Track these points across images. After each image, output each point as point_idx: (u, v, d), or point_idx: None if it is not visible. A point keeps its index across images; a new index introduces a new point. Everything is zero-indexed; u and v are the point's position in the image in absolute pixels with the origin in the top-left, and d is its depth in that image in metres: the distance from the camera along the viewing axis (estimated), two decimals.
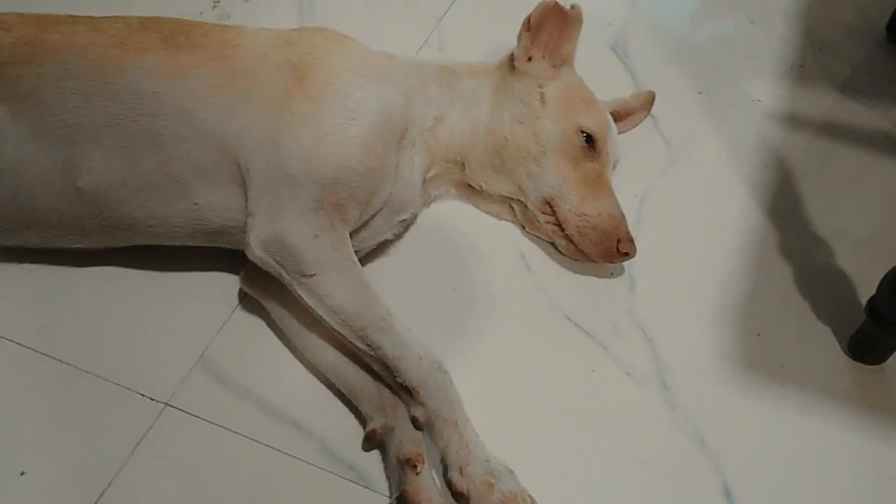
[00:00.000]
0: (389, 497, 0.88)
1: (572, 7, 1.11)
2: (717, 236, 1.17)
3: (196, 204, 0.97)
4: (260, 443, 0.92)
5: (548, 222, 1.09)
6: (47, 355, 0.98)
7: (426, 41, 1.45)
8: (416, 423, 0.88)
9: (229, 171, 0.96)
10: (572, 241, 1.07)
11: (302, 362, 0.99)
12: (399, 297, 0.97)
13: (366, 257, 1.08)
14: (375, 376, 0.93)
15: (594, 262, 1.09)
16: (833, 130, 1.33)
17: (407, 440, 0.88)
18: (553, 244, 1.12)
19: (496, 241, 1.15)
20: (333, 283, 0.90)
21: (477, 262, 1.12)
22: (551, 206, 1.08)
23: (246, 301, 1.05)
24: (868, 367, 1.02)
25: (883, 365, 1.02)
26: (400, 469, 0.87)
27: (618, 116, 1.24)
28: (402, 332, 0.90)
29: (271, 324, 1.02)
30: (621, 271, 1.12)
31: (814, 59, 1.45)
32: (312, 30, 1.08)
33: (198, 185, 0.96)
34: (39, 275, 1.06)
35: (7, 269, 1.06)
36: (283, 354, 1.00)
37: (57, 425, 0.92)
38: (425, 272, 1.11)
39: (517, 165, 1.09)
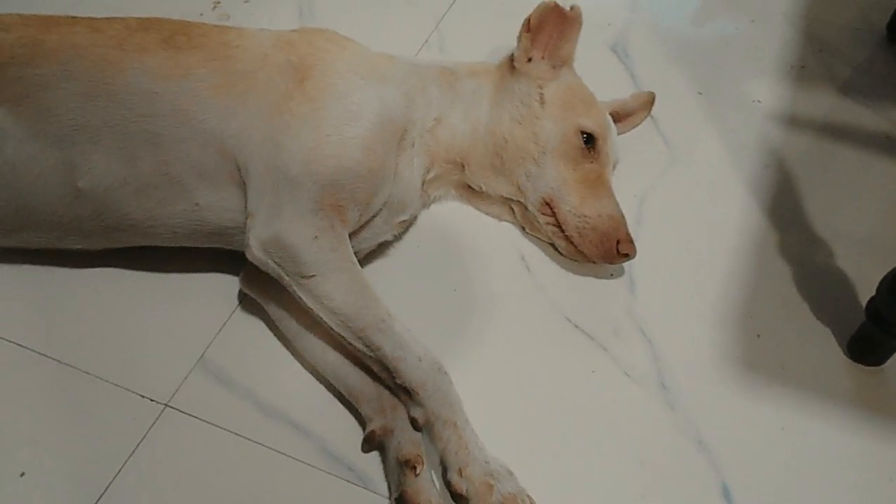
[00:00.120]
0: (389, 498, 0.88)
1: (572, 8, 1.11)
2: (717, 237, 1.16)
3: (196, 205, 0.97)
4: (259, 444, 0.92)
5: (547, 223, 1.09)
6: (47, 356, 0.98)
7: (426, 42, 1.45)
8: (415, 424, 0.88)
9: (229, 171, 0.96)
10: (572, 242, 1.07)
11: (301, 363, 0.99)
12: (399, 299, 0.97)
13: (365, 258, 1.09)
14: (375, 377, 0.94)
15: (594, 263, 1.09)
16: (833, 131, 1.33)
17: (406, 441, 0.88)
18: (553, 245, 1.12)
19: (496, 242, 1.15)
20: (333, 285, 0.91)
21: (477, 264, 1.12)
22: (551, 207, 1.08)
23: (246, 302, 1.05)
24: (868, 368, 1.02)
25: (882, 366, 1.02)
26: (399, 470, 0.87)
27: (617, 117, 1.24)
28: (401, 333, 0.90)
29: (271, 325, 1.02)
30: (621, 272, 1.12)
31: (814, 59, 1.45)
32: (313, 31, 1.08)
33: (197, 186, 0.96)
34: (39, 276, 1.06)
35: (6, 270, 1.06)
36: (283, 355, 1.00)
37: (57, 426, 0.93)
38: (425, 273, 1.11)
39: (517, 166, 1.09)
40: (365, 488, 0.89)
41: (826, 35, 1.50)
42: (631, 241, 1.06)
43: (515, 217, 1.16)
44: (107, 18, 1.02)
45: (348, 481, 0.90)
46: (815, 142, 1.31)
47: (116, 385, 0.96)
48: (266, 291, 1.01)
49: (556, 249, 1.12)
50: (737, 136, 1.31)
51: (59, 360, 0.98)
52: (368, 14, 1.50)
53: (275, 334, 1.02)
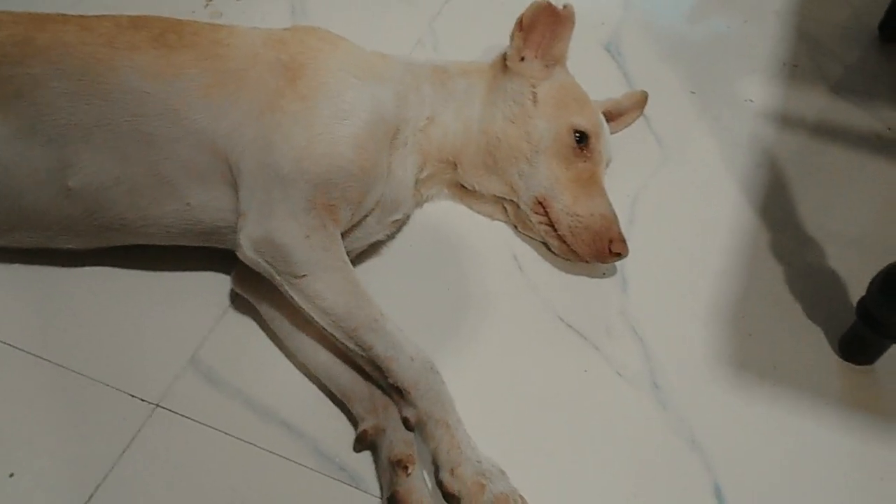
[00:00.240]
0: (381, 498, 0.88)
1: (564, 7, 1.10)
2: (709, 236, 1.17)
3: (188, 204, 0.97)
4: (251, 444, 0.92)
5: (540, 222, 1.09)
6: (37, 356, 0.98)
7: (419, 40, 1.45)
8: (407, 423, 0.88)
9: (220, 171, 0.95)
10: (564, 242, 1.07)
11: (293, 363, 0.99)
12: (391, 298, 0.97)
13: (358, 258, 1.08)
14: (367, 377, 0.93)
15: (586, 262, 1.09)
16: (825, 130, 1.33)
17: (398, 441, 0.88)
18: (545, 244, 1.12)
19: (488, 241, 1.15)
20: (324, 284, 0.90)
21: (469, 263, 1.12)
22: (543, 207, 1.08)
23: (237, 301, 1.04)
24: (858, 367, 1.02)
25: (873, 365, 1.02)
26: (391, 470, 0.87)
27: (610, 116, 1.24)
28: (393, 332, 0.90)
29: (263, 324, 1.02)
30: (613, 271, 1.12)
31: (807, 59, 1.46)
32: (305, 29, 1.08)
33: (189, 186, 0.96)
34: (29, 275, 1.05)
35: None
36: (275, 355, 1.00)
37: (46, 426, 0.92)
38: (417, 273, 1.11)
39: (509, 165, 1.09)
40: (357, 488, 0.89)
41: (819, 34, 1.51)
42: (623, 241, 1.06)
43: (508, 216, 1.16)
44: (98, 16, 1.01)
45: (340, 481, 0.90)
46: (807, 141, 1.32)
47: (107, 385, 0.96)
48: (258, 291, 1.01)
49: (548, 248, 1.12)
50: (729, 135, 1.31)
51: (48, 360, 0.97)
52: (361, 12, 1.49)
53: (267, 334, 1.02)
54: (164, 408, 0.94)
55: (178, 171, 0.95)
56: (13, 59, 0.94)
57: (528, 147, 1.08)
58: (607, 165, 1.16)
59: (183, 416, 0.94)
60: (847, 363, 1.03)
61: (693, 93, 1.39)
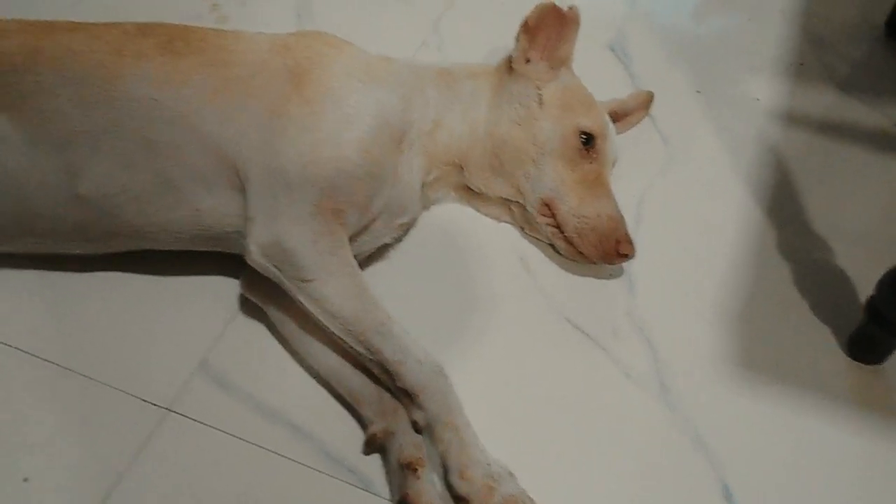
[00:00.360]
0: (390, 501, 0.89)
1: (570, 8, 1.10)
2: (715, 236, 1.17)
3: (196, 210, 0.97)
4: (261, 447, 0.92)
5: (547, 224, 1.09)
6: (48, 361, 0.98)
7: (424, 43, 1.45)
8: (416, 426, 0.88)
9: (228, 176, 0.96)
10: (571, 243, 1.08)
11: (302, 366, 1.00)
12: (399, 301, 0.97)
13: (365, 261, 1.09)
14: (376, 380, 0.94)
15: (593, 263, 1.09)
16: (832, 128, 1.33)
17: (407, 444, 0.89)
18: (552, 246, 1.13)
19: (495, 243, 1.15)
20: (332, 288, 0.91)
21: (476, 265, 1.12)
22: (550, 208, 1.08)
23: (246, 306, 1.05)
24: (867, 366, 1.02)
25: (882, 365, 1.02)
26: (401, 473, 0.87)
27: (616, 117, 1.24)
28: (401, 336, 0.90)
29: (272, 328, 1.02)
30: (620, 272, 1.12)
31: (813, 57, 1.45)
32: (310, 34, 1.08)
33: (197, 192, 0.96)
34: (40, 280, 1.06)
35: (7, 275, 1.06)
36: (284, 359, 1.00)
37: (59, 431, 0.93)
38: (425, 275, 1.11)
39: (515, 168, 1.09)
40: (366, 491, 0.90)
41: (824, 32, 1.50)
42: (630, 242, 1.06)
43: (514, 218, 1.16)
44: (105, 24, 1.02)
45: (350, 484, 0.90)
46: (813, 139, 1.31)
47: (118, 389, 0.96)
48: (267, 295, 1.01)
49: (555, 250, 1.13)
50: (735, 134, 1.31)
51: (60, 365, 0.98)
52: (366, 15, 1.50)
53: (276, 338, 1.02)
54: (174, 412, 0.95)
55: (186, 177, 0.95)
56: (22, 66, 0.95)
57: (534, 149, 1.08)
58: (613, 166, 1.16)
59: (194, 420, 0.94)
60: (856, 363, 1.03)
61: (699, 92, 1.38)
